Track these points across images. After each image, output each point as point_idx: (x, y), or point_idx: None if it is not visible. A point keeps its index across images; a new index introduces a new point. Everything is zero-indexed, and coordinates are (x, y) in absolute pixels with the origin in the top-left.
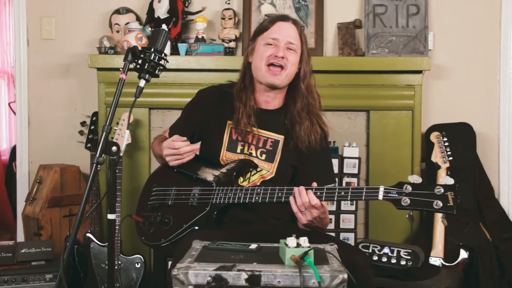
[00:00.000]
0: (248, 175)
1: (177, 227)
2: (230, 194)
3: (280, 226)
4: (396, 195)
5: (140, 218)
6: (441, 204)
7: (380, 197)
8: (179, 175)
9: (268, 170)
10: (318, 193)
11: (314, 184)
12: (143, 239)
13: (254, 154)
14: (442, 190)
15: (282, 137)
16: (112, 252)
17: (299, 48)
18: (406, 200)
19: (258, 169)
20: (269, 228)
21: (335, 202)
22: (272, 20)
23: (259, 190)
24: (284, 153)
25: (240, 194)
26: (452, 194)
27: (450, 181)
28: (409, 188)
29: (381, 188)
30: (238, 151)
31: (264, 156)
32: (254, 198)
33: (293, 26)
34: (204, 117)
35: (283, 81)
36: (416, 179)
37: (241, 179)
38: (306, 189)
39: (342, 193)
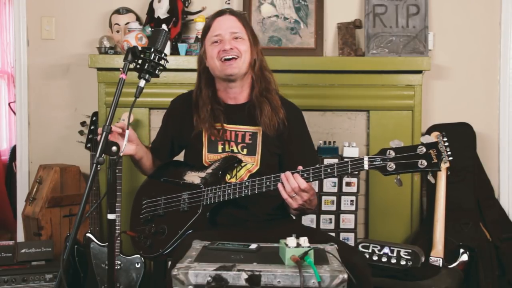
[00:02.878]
0: (234, 171)
1: (173, 235)
2: (219, 193)
3: (279, 226)
4: (381, 162)
5: (134, 233)
6: (425, 163)
7: (366, 166)
8: (166, 184)
9: (252, 163)
10: (305, 175)
11: (300, 167)
12: (142, 253)
13: (236, 150)
14: (424, 149)
15: (259, 128)
16: (112, 252)
17: (245, 35)
18: (391, 165)
19: (243, 164)
20: (268, 227)
21: (334, 202)
22: (210, 18)
23: (247, 183)
24: (264, 143)
25: (229, 191)
26: (435, 152)
27: (431, 139)
28: (392, 153)
29: (365, 158)
30: (220, 150)
31: (245, 150)
32: (243, 192)
33: (232, 17)
34: (179, 126)
35: (241, 68)
36: (397, 143)
37: (228, 176)
38: (293, 173)
39: (329, 170)
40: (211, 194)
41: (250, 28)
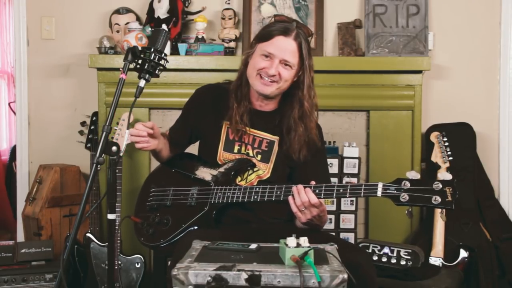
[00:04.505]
0: (246, 174)
1: (176, 227)
2: (228, 194)
3: (280, 226)
4: (395, 192)
5: (138, 219)
6: (439, 200)
7: (379, 193)
8: (177, 176)
9: (264, 170)
10: (317, 191)
11: (313, 183)
12: (142, 240)
13: (251, 154)
14: (441, 186)
15: (277, 138)
16: (112, 252)
17: (295, 65)
18: (405, 196)
19: (255, 169)
20: (268, 227)
21: (334, 202)
22: (274, 31)
23: (257, 189)
24: (279, 154)
25: (238, 194)
26: (451, 190)
27: (448, 176)
28: (408, 184)
29: (380, 185)
30: (235, 151)
31: (259, 156)
32: (252, 197)
33: (293, 42)
34: (201, 116)
35: (274, 92)
36: (414, 175)
37: (239, 178)
38: (305, 187)
39: (341, 190)
40: (220, 194)
41: (308, 56)
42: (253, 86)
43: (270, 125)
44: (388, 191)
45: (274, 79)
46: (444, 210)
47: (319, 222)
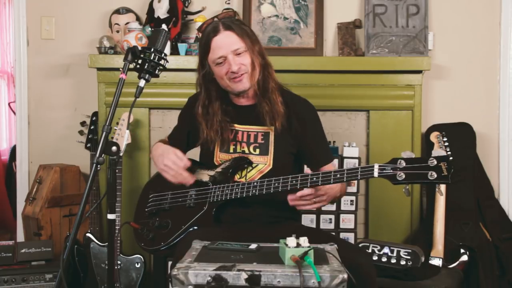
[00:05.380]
0: (244, 172)
1: (176, 229)
2: (226, 191)
3: (279, 224)
4: (391, 171)
5: (137, 225)
6: (435, 175)
7: (376, 174)
8: None
9: (264, 163)
10: (314, 179)
11: (308, 171)
12: (143, 245)
13: (247, 151)
14: (435, 162)
15: (272, 127)
16: (112, 252)
17: (244, 46)
18: (401, 175)
19: (254, 165)
20: (268, 226)
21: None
22: (206, 37)
23: (255, 183)
24: (277, 142)
25: (237, 189)
26: (446, 165)
27: (442, 152)
28: (403, 163)
29: (376, 166)
30: (231, 151)
31: (258, 150)
32: (251, 192)
33: (227, 32)
34: (195, 123)
35: (250, 82)
36: (409, 154)
37: (238, 176)
38: (299, 189)
39: (338, 175)
40: (218, 192)
41: (245, 32)
42: (232, 90)
43: (260, 117)
44: (384, 171)
45: (241, 71)
46: (440, 185)
47: (335, 195)
